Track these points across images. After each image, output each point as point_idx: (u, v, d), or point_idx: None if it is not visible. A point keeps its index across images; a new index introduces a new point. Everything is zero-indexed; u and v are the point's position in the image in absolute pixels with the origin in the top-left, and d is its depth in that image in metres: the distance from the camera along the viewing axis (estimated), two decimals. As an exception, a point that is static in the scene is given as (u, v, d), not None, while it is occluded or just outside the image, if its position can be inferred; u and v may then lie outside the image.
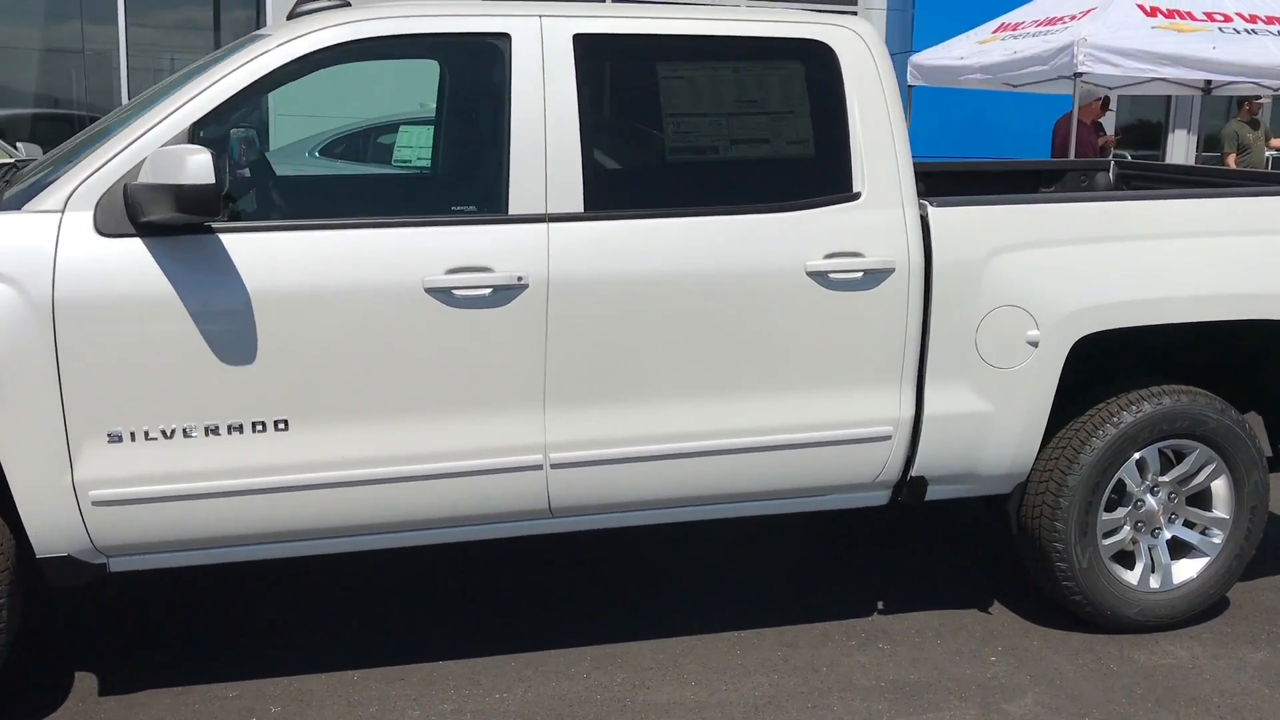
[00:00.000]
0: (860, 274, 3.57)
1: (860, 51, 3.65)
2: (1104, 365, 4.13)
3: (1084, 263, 3.75)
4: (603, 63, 3.50)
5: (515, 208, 3.35)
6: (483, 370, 3.33)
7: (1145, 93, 12.30)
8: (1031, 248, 3.72)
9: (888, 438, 3.69)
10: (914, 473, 3.79)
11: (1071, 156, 9.77)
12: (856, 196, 3.60)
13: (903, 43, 13.02)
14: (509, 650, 3.84)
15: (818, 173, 3.62)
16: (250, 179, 4.04)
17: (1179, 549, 4.13)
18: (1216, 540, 4.12)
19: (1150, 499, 4.05)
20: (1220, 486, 4.08)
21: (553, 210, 3.38)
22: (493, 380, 3.34)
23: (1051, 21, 9.92)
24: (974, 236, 3.68)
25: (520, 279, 3.31)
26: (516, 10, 3.46)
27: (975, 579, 4.49)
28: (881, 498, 3.85)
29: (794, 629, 4.04)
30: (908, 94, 11.73)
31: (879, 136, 3.63)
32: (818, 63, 3.63)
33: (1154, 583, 4.09)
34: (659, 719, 3.45)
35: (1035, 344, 3.73)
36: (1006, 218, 3.72)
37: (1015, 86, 11.23)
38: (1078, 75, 8.86)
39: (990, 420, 3.76)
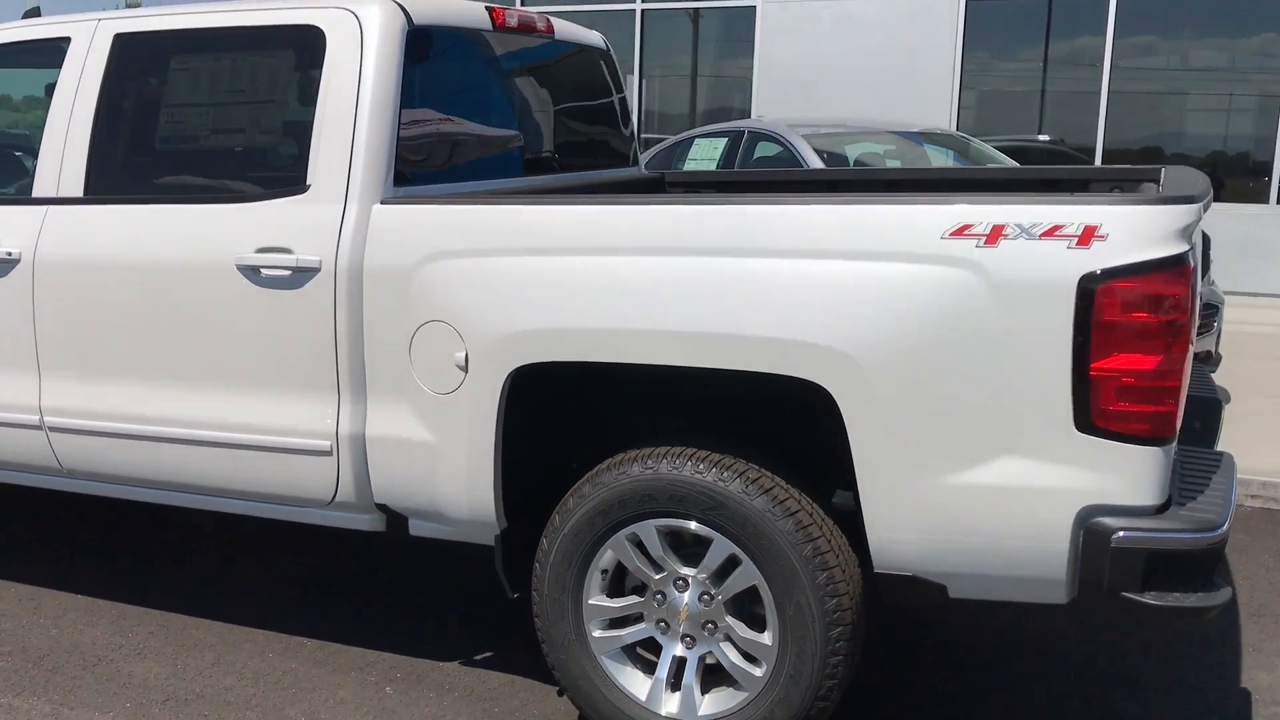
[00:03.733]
0: (288, 272, 3.33)
1: (350, 35, 3.37)
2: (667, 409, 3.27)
3: (526, 278, 3.05)
4: (135, 60, 3.70)
5: (38, 191, 3.74)
6: (-4, 333, 3.78)
7: None
8: (466, 256, 3.13)
9: (328, 453, 3.37)
10: (376, 500, 3.39)
11: None
12: (305, 189, 3.35)
13: None
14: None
15: (279, 164, 3.44)
16: None
17: (723, 673, 3.10)
18: (757, 674, 3.02)
19: (677, 594, 3.10)
20: (767, 600, 2.98)
21: (62, 194, 3.70)
22: (3, 343, 3.77)
23: None
24: (408, 239, 3.20)
25: (10, 254, 3.69)
26: (96, 16, 3.82)
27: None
28: (367, 522, 3.48)
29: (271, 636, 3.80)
30: None
31: (343, 125, 3.33)
32: (306, 49, 3.43)
33: (670, 707, 3.12)
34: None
35: (464, 368, 3.13)
36: (442, 219, 3.17)
37: None
38: None
39: (435, 452, 3.23)
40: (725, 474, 2.94)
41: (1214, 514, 2.68)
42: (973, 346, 2.67)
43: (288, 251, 3.32)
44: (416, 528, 3.42)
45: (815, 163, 7.20)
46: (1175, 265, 2.56)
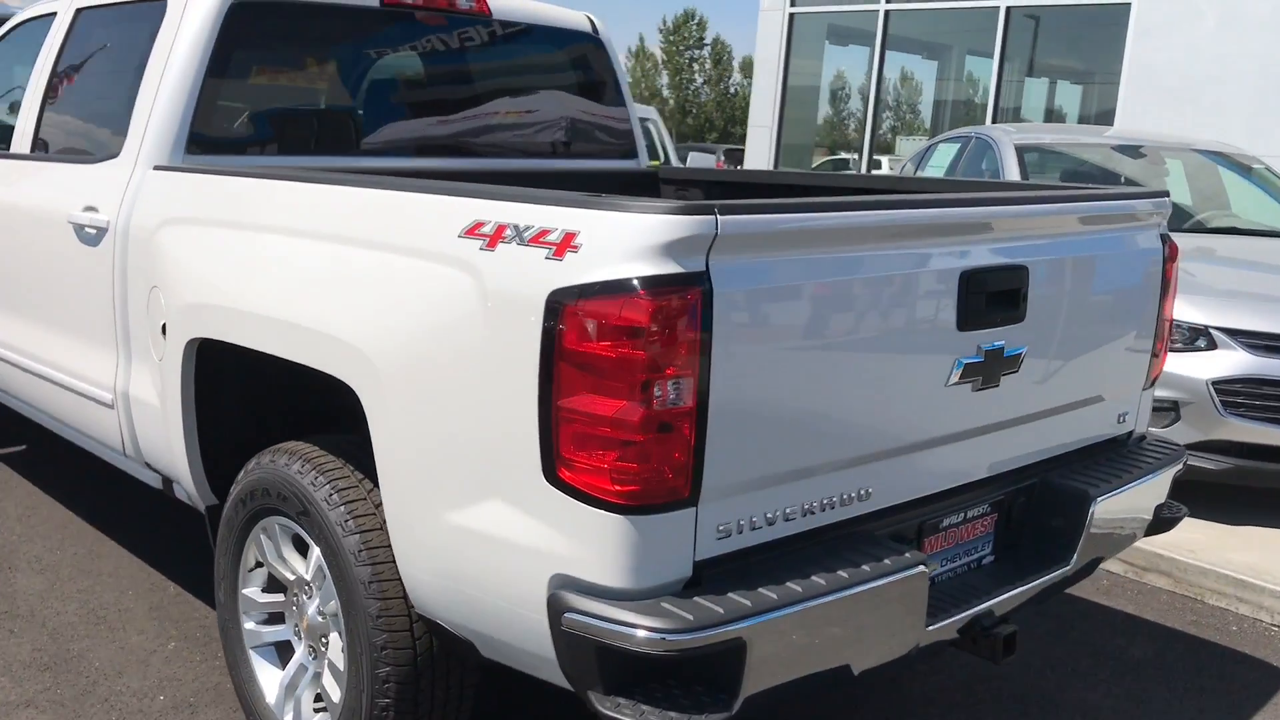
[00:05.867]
0: (94, 230, 3.50)
1: (179, 8, 3.48)
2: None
3: (202, 249, 3.00)
4: (75, 34, 4.05)
5: (14, 149, 4.21)
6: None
7: None
8: (177, 224, 3.15)
9: (111, 405, 3.51)
10: (144, 458, 3.48)
11: None
12: (119, 153, 3.51)
13: None
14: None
15: (115, 129, 3.60)
16: None
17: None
18: (335, 700, 2.76)
19: (306, 601, 2.90)
20: (342, 623, 2.72)
21: (20, 151, 4.14)
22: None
23: None
24: (154, 204, 3.26)
25: (-24, 200, 4.21)
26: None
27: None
28: (152, 478, 3.57)
29: None
30: None
31: (146, 95, 3.45)
32: (155, 22, 3.57)
33: (288, 714, 2.94)
34: (-20, 587, 4.01)
35: (164, 336, 3.14)
36: (172, 186, 3.19)
37: None
38: None
39: (155, 416, 3.27)
40: (320, 477, 2.71)
41: (704, 616, 2.06)
42: (464, 364, 2.27)
43: (96, 211, 3.50)
44: (177, 490, 3.47)
45: (1013, 172, 6.32)
46: (654, 288, 2.01)
